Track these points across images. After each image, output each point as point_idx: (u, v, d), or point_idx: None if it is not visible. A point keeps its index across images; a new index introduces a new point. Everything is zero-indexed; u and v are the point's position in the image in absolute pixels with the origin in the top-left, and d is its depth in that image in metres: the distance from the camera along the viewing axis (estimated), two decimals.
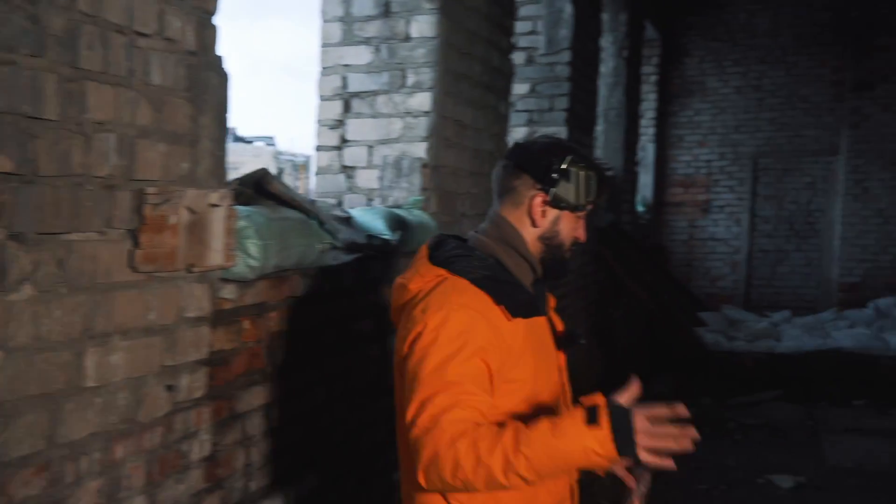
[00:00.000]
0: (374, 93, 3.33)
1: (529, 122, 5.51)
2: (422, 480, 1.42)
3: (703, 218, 10.42)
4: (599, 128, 7.77)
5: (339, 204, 3.34)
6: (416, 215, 3.17)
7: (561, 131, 5.45)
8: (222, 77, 1.90)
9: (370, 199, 3.36)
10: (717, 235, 10.34)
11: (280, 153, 35.44)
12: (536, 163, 1.60)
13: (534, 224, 1.62)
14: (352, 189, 3.38)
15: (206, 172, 1.85)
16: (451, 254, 1.58)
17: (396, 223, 2.87)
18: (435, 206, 3.38)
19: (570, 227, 1.64)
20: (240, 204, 2.11)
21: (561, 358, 1.70)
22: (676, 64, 10.44)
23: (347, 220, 2.74)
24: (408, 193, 3.29)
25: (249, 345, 2.11)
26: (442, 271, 1.56)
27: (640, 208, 9.69)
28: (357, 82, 3.35)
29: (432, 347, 1.44)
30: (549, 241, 1.63)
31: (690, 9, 10.22)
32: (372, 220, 2.82)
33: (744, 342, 6.94)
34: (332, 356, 2.56)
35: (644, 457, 1.31)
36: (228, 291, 2.00)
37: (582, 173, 1.59)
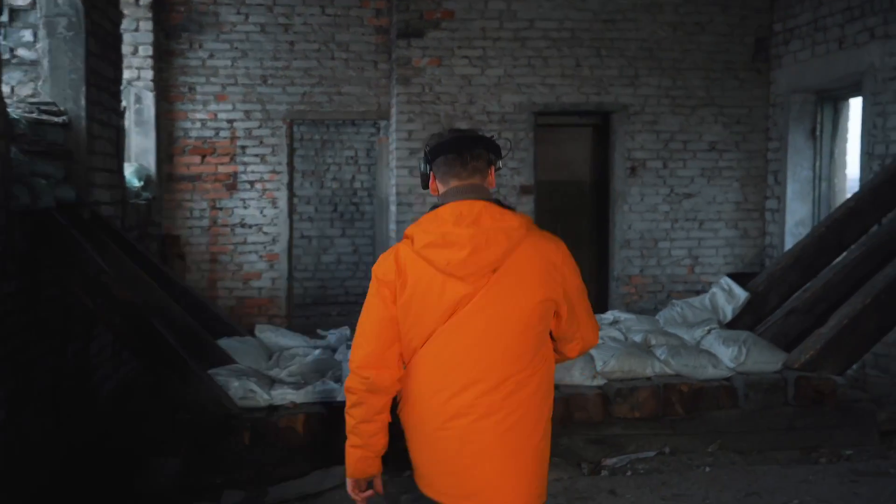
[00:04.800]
0: None
1: None
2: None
3: (230, 197, 7.84)
4: (40, 44, 4.62)
5: None
6: None
7: None
8: None
9: None
10: (249, 220, 7.86)
11: None
12: (495, 149, 2.37)
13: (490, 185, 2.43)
14: None
15: None
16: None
17: None
18: None
19: None
20: None
21: None
22: None
23: None
24: None
25: None
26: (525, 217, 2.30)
27: (135, 183, 6.69)
28: None
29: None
30: None
31: None
32: None
33: (291, 388, 4.39)
34: None
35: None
36: None
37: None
